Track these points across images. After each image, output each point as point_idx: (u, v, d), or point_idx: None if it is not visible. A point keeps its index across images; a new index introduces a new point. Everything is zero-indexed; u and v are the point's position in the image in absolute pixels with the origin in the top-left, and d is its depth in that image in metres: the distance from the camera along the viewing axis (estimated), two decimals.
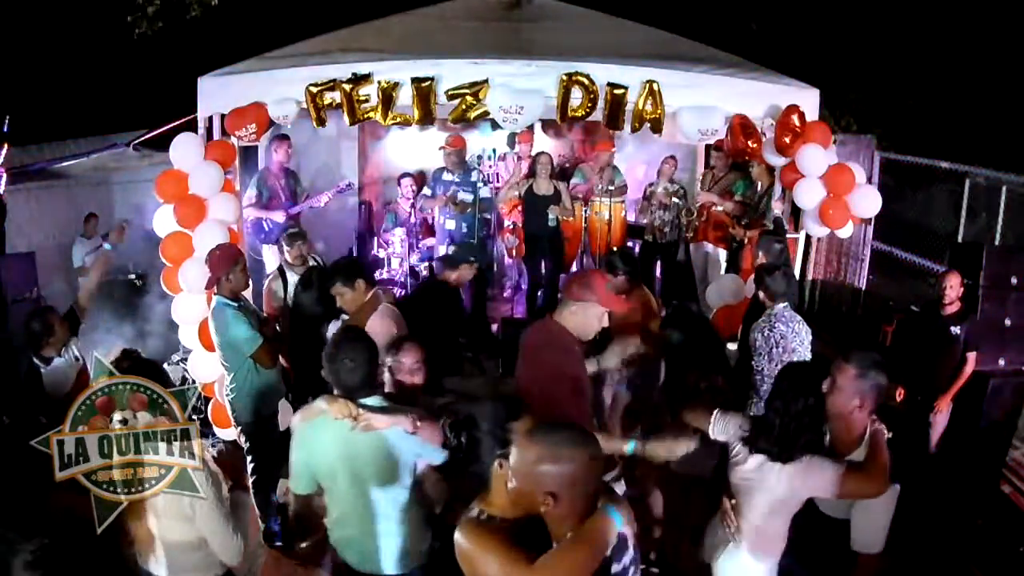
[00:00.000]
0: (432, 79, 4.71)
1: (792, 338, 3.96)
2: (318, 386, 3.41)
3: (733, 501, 2.76)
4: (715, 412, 2.88)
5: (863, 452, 2.67)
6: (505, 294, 7.80)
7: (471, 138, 7.43)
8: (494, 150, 7.78)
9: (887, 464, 2.56)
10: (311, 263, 5.25)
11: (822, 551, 2.73)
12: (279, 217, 6.17)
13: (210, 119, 5.03)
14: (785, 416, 2.61)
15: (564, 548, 1.86)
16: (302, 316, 4.08)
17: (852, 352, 2.76)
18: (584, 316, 3.04)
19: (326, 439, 2.68)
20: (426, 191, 6.67)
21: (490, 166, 7.74)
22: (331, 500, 2.79)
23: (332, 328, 3.86)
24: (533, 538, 1.88)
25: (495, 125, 6.48)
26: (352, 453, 2.67)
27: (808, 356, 4.01)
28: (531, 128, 7.05)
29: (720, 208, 6.47)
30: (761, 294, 4.19)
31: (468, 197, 6.54)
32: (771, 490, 2.63)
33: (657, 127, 4.96)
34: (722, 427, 2.85)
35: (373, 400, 2.69)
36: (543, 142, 8.18)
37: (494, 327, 6.88)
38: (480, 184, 6.74)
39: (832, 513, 2.74)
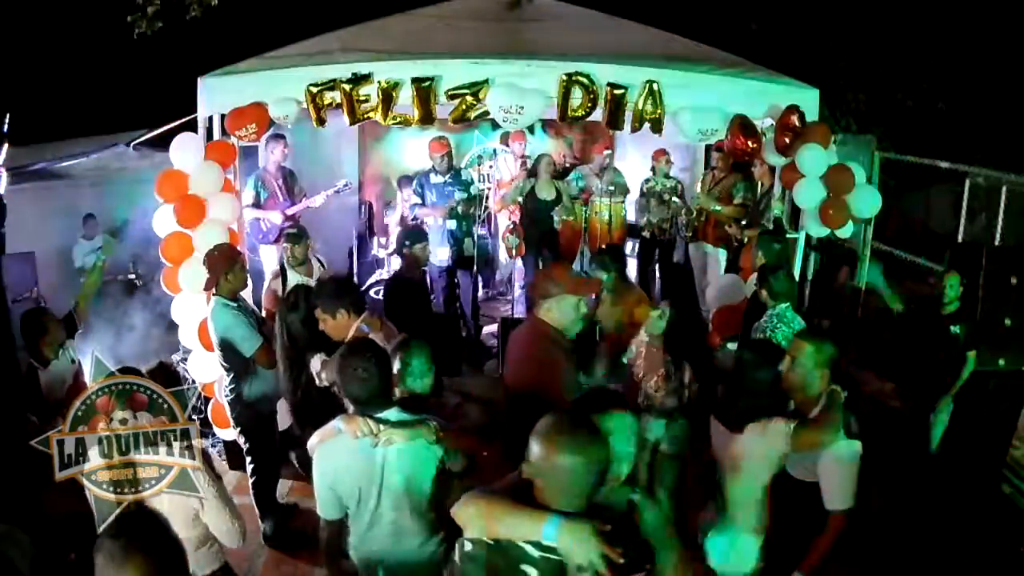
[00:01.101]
0: (432, 79, 4.71)
1: (792, 337, 3.99)
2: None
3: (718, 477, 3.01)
4: None
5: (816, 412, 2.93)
6: (505, 294, 7.80)
7: (469, 139, 7.43)
8: (494, 151, 7.78)
9: (836, 418, 2.80)
10: (313, 262, 5.25)
11: (799, 513, 2.90)
12: (276, 218, 6.18)
13: (210, 119, 5.03)
14: (740, 390, 2.94)
15: (499, 504, 1.97)
16: (290, 337, 3.94)
17: (804, 329, 3.18)
18: (560, 309, 3.05)
19: (348, 459, 2.61)
20: (415, 199, 6.60)
21: (490, 165, 7.75)
22: (354, 520, 2.70)
23: (315, 361, 3.60)
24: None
25: (495, 125, 6.49)
26: (376, 470, 2.61)
27: None
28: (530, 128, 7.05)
29: (720, 210, 6.46)
30: (764, 293, 4.20)
31: (463, 195, 6.52)
32: (738, 452, 2.89)
33: (657, 127, 4.95)
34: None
35: (390, 413, 2.64)
36: (542, 142, 8.19)
37: (494, 327, 6.89)
38: (471, 182, 6.73)
39: (803, 476, 2.91)
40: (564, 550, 1.88)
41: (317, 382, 3.58)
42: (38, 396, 3.89)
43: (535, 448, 1.93)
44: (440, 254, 6.40)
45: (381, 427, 2.56)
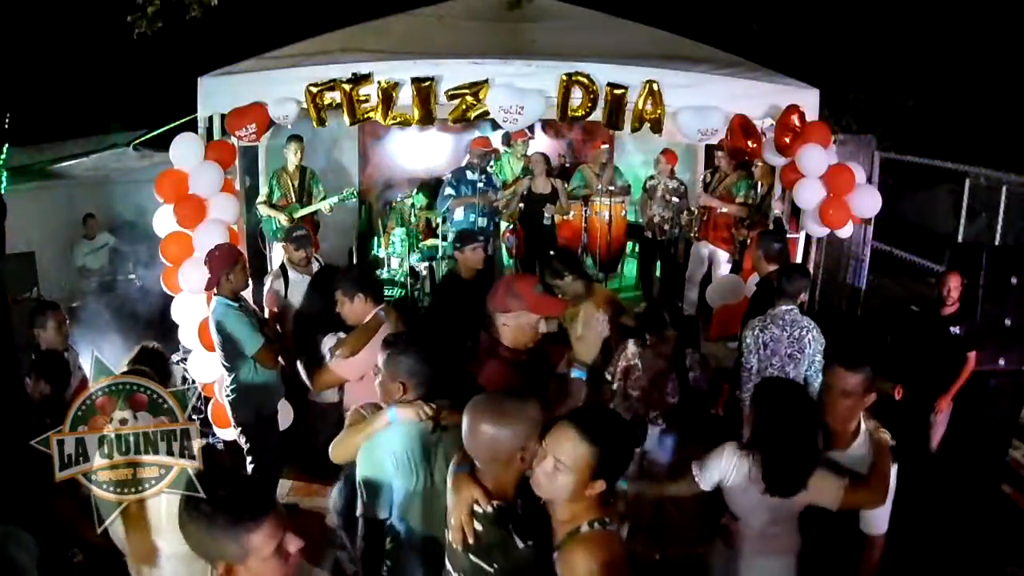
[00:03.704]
0: (432, 79, 4.70)
1: (786, 342, 3.92)
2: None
3: (736, 521, 2.72)
4: (692, 469, 2.75)
5: (863, 446, 2.69)
6: None
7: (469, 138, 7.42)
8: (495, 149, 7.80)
9: (889, 476, 2.59)
10: (313, 264, 5.24)
11: (832, 536, 2.72)
12: (284, 219, 6.24)
13: (210, 119, 5.03)
14: (785, 450, 2.52)
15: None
16: (305, 316, 3.98)
17: (839, 352, 2.82)
18: (517, 326, 2.87)
19: (403, 446, 2.56)
20: (449, 191, 6.60)
21: (490, 165, 7.76)
22: (407, 509, 2.61)
23: (327, 341, 3.68)
24: None
25: (495, 125, 6.48)
26: (426, 454, 2.57)
27: (807, 362, 3.94)
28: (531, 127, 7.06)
29: (724, 210, 6.45)
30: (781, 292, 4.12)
31: (496, 195, 6.58)
32: (775, 510, 2.61)
33: (657, 127, 4.96)
34: (707, 475, 2.73)
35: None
36: (542, 143, 8.20)
37: None
38: (499, 186, 6.79)
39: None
40: (450, 491, 2.13)
41: (327, 358, 3.62)
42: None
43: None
44: None
45: (435, 408, 2.57)
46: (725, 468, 2.69)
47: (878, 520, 2.69)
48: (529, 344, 2.91)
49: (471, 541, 2.01)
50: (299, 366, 3.87)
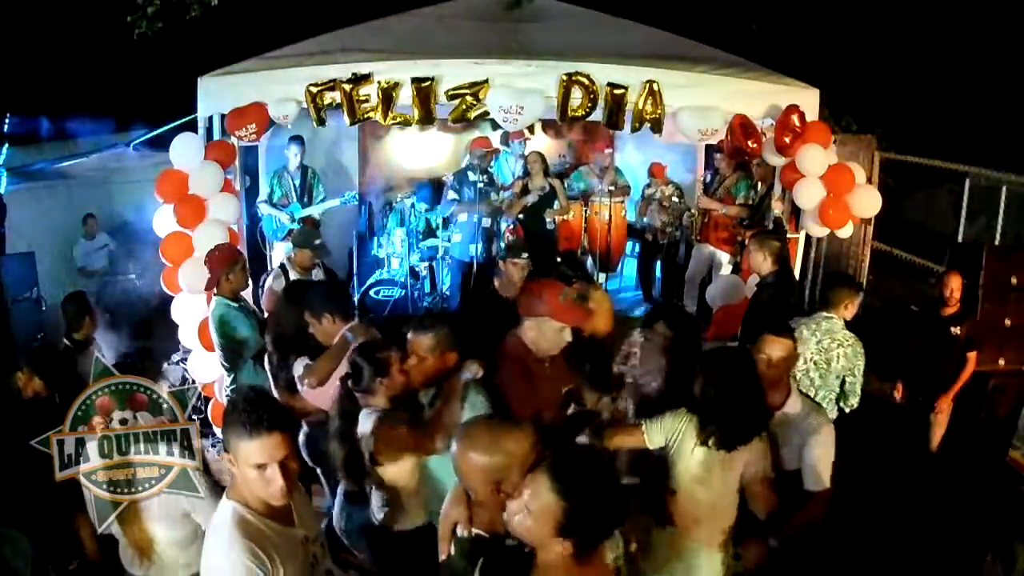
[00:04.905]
0: (432, 79, 4.70)
1: (814, 347, 3.90)
2: None
3: (674, 495, 2.73)
4: (643, 424, 2.82)
5: (796, 404, 2.92)
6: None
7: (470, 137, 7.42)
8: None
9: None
10: (315, 270, 5.20)
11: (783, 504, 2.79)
12: (285, 218, 6.25)
13: (210, 119, 5.03)
14: (731, 404, 2.61)
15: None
16: (277, 333, 3.81)
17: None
18: (540, 332, 2.84)
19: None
20: (452, 195, 6.58)
21: (491, 166, 7.77)
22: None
23: (298, 366, 3.43)
24: None
25: (495, 125, 6.48)
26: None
27: (834, 377, 3.92)
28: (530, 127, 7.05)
29: (724, 212, 6.45)
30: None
31: (499, 196, 6.57)
32: (721, 477, 2.66)
33: (657, 127, 4.96)
34: (655, 431, 2.79)
35: None
36: (542, 143, 8.19)
37: None
38: (499, 186, 6.79)
39: (789, 467, 2.89)
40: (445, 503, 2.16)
41: (299, 386, 3.42)
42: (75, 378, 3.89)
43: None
44: (471, 249, 6.39)
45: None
46: (673, 426, 2.75)
47: (821, 475, 2.82)
48: (552, 351, 2.86)
49: (444, 558, 2.08)
50: (271, 383, 3.67)
